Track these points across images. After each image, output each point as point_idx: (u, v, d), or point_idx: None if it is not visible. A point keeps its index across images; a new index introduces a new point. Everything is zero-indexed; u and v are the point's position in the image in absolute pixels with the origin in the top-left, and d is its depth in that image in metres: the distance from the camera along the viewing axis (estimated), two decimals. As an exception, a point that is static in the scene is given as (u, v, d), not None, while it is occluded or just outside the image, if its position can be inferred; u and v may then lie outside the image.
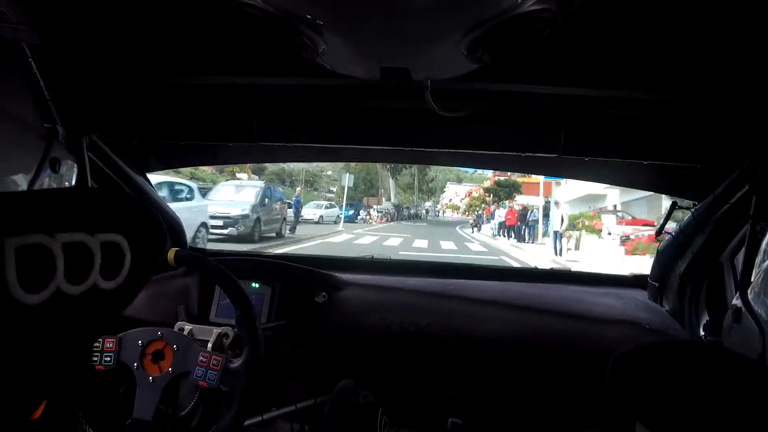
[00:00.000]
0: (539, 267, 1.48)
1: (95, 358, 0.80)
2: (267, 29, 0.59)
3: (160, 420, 0.80)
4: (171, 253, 0.81)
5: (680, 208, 1.08)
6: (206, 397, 0.85)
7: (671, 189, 1.13)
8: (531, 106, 0.90)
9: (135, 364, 0.81)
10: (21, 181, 0.81)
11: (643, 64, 0.72)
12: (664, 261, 1.15)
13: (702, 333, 1.03)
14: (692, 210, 1.04)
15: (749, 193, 0.87)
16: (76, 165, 0.92)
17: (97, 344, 0.78)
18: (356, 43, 0.62)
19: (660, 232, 1.13)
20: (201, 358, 0.80)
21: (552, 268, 1.46)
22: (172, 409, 0.83)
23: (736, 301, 0.86)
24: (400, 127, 1.01)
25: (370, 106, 0.98)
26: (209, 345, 0.86)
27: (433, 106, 0.83)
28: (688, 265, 1.06)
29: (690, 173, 1.03)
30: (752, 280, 0.85)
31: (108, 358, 0.81)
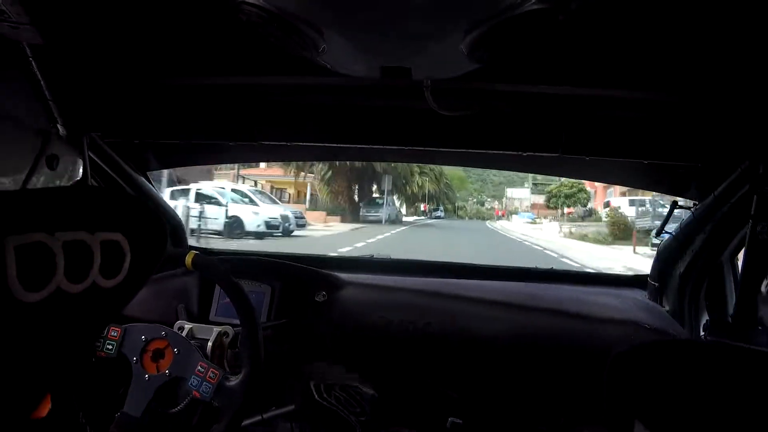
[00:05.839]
0: (539, 267, 1.48)
1: (98, 344, 0.80)
2: (268, 28, 0.59)
3: (149, 418, 0.80)
4: (189, 257, 0.79)
5: (680, 207, 1.08)
6: (197, 404, 0.84)
7: (672, 188, 1.13)
8: (532, 105, 0.90)
9: (134, 359, 0.81)
10: (18, 180, 0.81)
11: (644, 64, 0.72)
12: (664, 261, 1.15)
13: (702, 333, 1.03)
14: (692, 210, 1.04)
15: (750, 193, 0.87)
16: (76, 164, 0.92)
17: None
18: (357, 42, 0.62)
19: (660, 231, 1.13)
20: (199, 367, 0.79)
21: (551, 268, 1.46)
22: (162, 408, 0.82)
23: None
24: (400, 127, 1.01)
25: (370, 105, 0.97)
26: (209, 344, 0.87)
27: (433, 105, 0.83)
28: (688, 265, 1.06)
29: (690, 173, 1.03)
30: None
31: (110, 347, 0.81)
